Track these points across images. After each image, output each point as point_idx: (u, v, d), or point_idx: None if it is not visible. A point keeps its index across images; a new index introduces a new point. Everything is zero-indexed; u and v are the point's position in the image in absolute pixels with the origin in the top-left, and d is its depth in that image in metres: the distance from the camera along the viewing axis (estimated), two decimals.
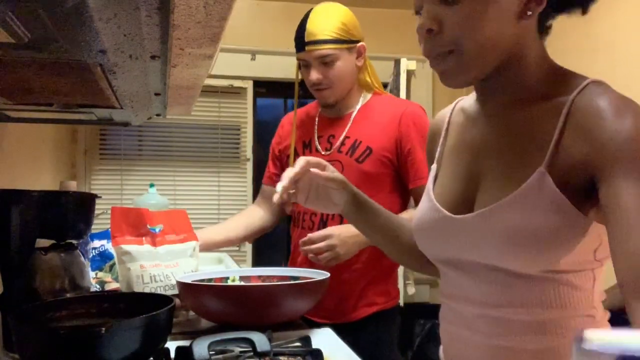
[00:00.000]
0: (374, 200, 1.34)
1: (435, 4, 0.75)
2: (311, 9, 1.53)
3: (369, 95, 1.61)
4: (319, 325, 1.27)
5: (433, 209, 0.85)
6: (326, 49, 1.49)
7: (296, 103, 1.68)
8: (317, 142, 1.61)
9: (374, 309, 1.53)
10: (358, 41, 1.54)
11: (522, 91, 0.79)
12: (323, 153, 1.57)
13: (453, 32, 0.74)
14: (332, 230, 1.42)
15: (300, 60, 1.55)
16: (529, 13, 0.74)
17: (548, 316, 0.75)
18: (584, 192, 0.71)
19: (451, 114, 0.94)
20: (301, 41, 1.51)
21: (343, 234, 1.41)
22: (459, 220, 0.80)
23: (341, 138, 1.56)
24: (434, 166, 0.93)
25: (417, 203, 1.43)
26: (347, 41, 1.51)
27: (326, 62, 1.50)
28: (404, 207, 1.54)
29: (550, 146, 0.73)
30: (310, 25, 1.50)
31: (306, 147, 1.64)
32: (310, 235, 1.42)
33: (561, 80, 0.78)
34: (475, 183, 0.82)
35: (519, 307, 0.76)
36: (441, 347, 0.92)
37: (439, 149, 0.93)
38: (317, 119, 1.65)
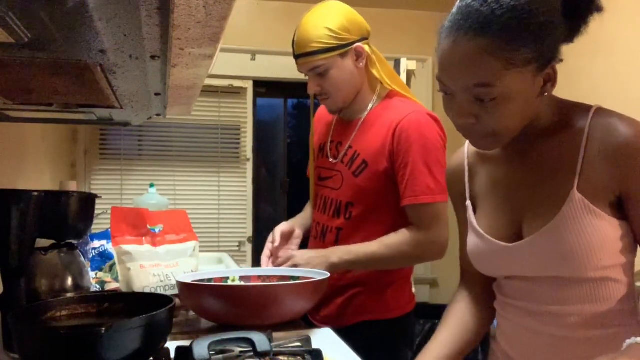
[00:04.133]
0: (371, 217, 1.45)
1: (470, 101, 0.83)
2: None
3: (380, 98, 1.50)
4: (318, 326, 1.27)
5: (487, 242, 0.96)
6: (315, 61, 1.40)
7: (312, 113, 1.67)
8: (328, 148, 1.56)
9: (363, 318, 1.47)
10: (352, 43, 1.42)
11: (538, 129, 0.91)
12: (331, 160, 1.53)
13: (489, 125, 0.85)
14: (295, 255, 1.43)
15: (300, 72, 1.49)
16: (546, 94, 0.86)
17: (598, 309, 0.88)
18: (611, 201, 0.86)
19: (467, 156, 1.05)
20: (294, 54, 1.45)
21: (305, 255, 1.41)
22: (513, 247, 0.92)
23: (345, 147, 1.50)
24: (468, 203, 1.02)
25: (411, 222, 1.41)
26: (336, 47, 1.40)
27: (320, 73, 1.42)
28: (403, 226, 1.42)
29: (577, 170, 0.86)
30: (298, 37, 1.42)
31: (321, 150, 1.59)
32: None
33: (568, 111, 0.91)
34: (519, 214, 0.93)
35: (575, 305, 0.89)
36: (497, 338, 1.03)
37: (467, 188, 1.03)
38: (334, 122, 1.59)
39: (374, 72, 1.47)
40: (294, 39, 1.44)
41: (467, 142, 1.04)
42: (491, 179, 1.00)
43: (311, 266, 1.35)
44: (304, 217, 1.68)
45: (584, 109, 0.90)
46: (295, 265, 1.37)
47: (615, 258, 0.87)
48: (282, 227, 1.54)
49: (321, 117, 1.65)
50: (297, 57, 1.44)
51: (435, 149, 1.40)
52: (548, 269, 0.89)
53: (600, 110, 0.88)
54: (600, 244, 0.85)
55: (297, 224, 1.60)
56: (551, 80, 0.85)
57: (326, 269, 1.33)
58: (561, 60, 0.85)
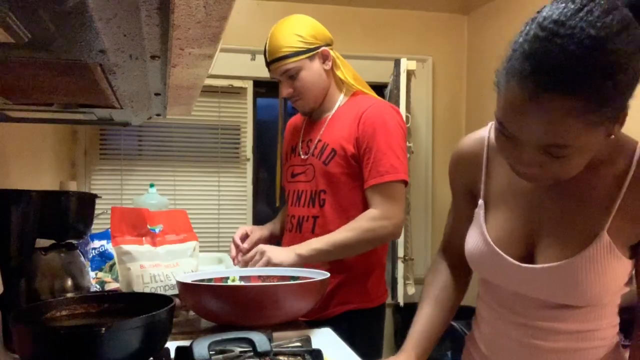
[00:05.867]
0: (344, 202, 1.53)
1: (539, 152, 0.76)
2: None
3: (347, 97, 1.64)
4: (314, 324, 1.27)
5: (494, 254, 0.92)
6: (286, 64, 1.55)
7: (281, 117, 1.76)
8: (299, 147, 1.67)
9: (347, 307, 1.56)
10: (318, 47, 1.57)
11: None
12: (302, 157, 1.64)
13: (553, 174, 0.79)
14: (262, 246, 1.47)
15: (272, 78, 1.63)
16: (612, 136, 0.78)
17: (585, 327, 0.89)
18: (630, 244, 0.85)
19: (488, 149, 0.97)
20: (266, 62, 1.60)
21: (273, 246, 1.47)
22: (525, 269, 0.89)
23: (315, 142, 1.62)
24: (481, 202, 0.97)
25: (370, 204, 1.50)
26: (305, 51, 1.55)
27: (291, 76, 1.57)
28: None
29: (613, 211, 0.83)
30: (269, 45, 1.57)
31: (293, 151, 1.71)
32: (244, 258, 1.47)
33: (613, 145, 0.84)
34: (535, 233, 0.90)
35: (562, 322, 0.89)
36: (475, 339, 1.04)
37: (482, 186, 0.97)
38: (304, 124, 1.71)
39: (339, 74, 1.62)
40: (265, 48, 1.59)
41: (489, 127, 0.98)
42: (511, 182, 0.93)
43: (280, 255, 1.41)
44: (274, 222, 1.81)
45: (629, 144, 0.85)
46: (263, 255, 1.40)
47: (619, 291, 0.89)
48: (240, 230, 1.66)
49: (291, 124, 1.81)
50: (270, 63, 1.58)
51: (397, 134, 1.53)
52: (553, 296, 0.88)
53: None
54: (614, 284, 0.85)
55: (258, 227, 1.72)
56: (619, 122, 0.76)
57: (293, 258, 1.41)
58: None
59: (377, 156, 1.49)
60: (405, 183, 1.53)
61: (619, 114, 0.75)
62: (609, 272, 0.83)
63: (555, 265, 0.85)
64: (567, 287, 0.85)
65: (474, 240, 0.97)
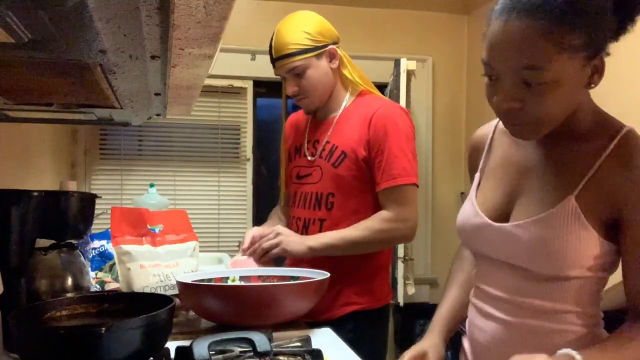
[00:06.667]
0: (352, 205, 1.53)
1: (518, 85, 0.83)
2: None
3: (353, 97, 1.62)
4: (318, 325, 1.27)
5: (475, 214, 0.98)
6: (293, 62, 1.52)
7: (284, 115, 1.75)
8: (305, 147, 1.65)
9: (352, 308, 1.54)
10: (326, 45, 1.54)
11: (568, 130, 0.90)
12: (309, 158, 1.62)
13: (534, 111, 0.84)
14: (280, 228, 1.52)
15: (277, 75, 1.60)
16: (592, 85, 0.85)
17: (561, 308, 0.91)
18: (604, 220, 0.87)
19: (494, 131, 1.05)
20: (271, 59, 1.56)
21: (290, 232, 1.50)
22: (496, 227, 0.94)
23: (323, 143, 1.59)
24: (477, 175, 1.04)
25: (383, 206, 1.51)
26: (312, 49, 1.52)
27: (297, 73, 1.54)
28: (378, 207, 1.52)
29: (584, 179, 0.87)
30: (275, 42, 1.54)
31: (297, 151, 1.68)
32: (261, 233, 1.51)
33: (602, 122, 0.90)
34: (514, 197, 0.95)
35: (539, 299, 0.91)
36: (467, 321, 1.07)
37: (482, 161, 1.05)
38: (308, 124, 1.69)
39: (346, 72, 1.59)
40: (271, 44, 1.55)
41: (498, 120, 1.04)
42: (504, 158, 1.01)
43: (293, 244, 1.45)
44: (273, 224, 1.74)
45: (616, 126, 0.89)
46: (279, 241, 1.45)
47: (584, 272, 0.89)
48: (253, 231, 1.60)
49: (294, 122, 1.77)
50: (275, 59, 1.55)
51: (407, 136, 1.52)
52: (520, 259, 0.91)
53: (630, 134, 0.88)
54: (577, 254, 0.86)
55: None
56: (598, 71, 0.84)
57: (304, 250, 1.44)
58: (608, 54, 0.84)
59: (389, 159, 1.48)
60: (416, 186, 1.52)
61: (592, 54, 0.81)
62: (571, 239, 0.85)
63: (522, 223, 0.90)
64: (530, 247, 0.88)
65: (463, 206, 1.03)
